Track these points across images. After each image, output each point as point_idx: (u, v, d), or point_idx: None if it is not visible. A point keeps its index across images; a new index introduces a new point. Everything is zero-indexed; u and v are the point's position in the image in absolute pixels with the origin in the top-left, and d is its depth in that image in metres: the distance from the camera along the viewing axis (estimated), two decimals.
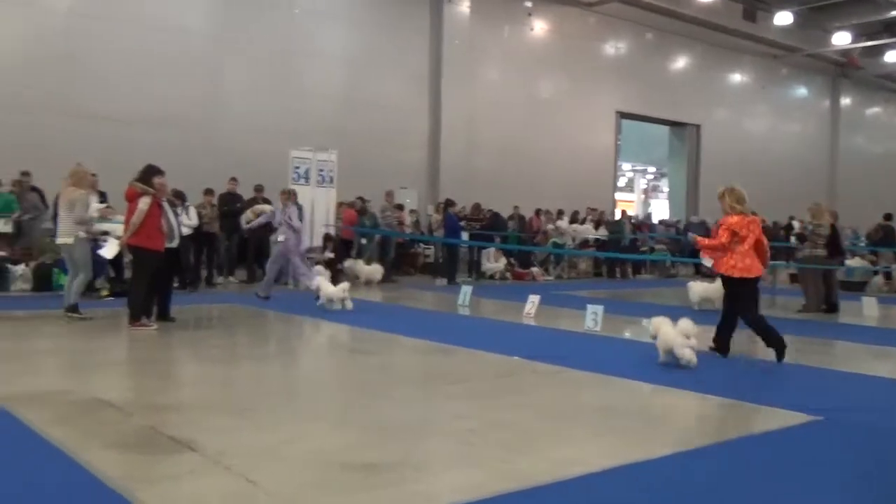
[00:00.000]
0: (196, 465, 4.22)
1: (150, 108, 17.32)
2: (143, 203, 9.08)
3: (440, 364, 7.84)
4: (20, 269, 12.36)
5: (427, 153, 22.89)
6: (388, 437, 4.96)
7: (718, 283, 13.05)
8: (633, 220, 23.43)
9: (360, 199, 17.78)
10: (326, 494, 3.91)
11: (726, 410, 6.14)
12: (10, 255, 12.21)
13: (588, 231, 21.43)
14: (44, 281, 12.22)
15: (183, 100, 17.98)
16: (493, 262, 18.97)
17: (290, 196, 12.72)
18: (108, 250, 9.77)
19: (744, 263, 8.02)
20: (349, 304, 11.32)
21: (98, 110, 16.60)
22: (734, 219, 8.10)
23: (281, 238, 12.31)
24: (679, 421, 5.83)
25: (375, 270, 16.03)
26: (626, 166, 44.41)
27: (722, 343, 8.27)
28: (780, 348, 7.95)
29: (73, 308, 9.45)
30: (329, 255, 15.49)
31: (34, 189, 13.91)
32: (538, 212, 21.36)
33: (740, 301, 8.16)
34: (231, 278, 15.03)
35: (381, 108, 21.32)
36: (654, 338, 7.76)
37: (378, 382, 6.84)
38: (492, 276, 18.69)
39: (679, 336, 7.59)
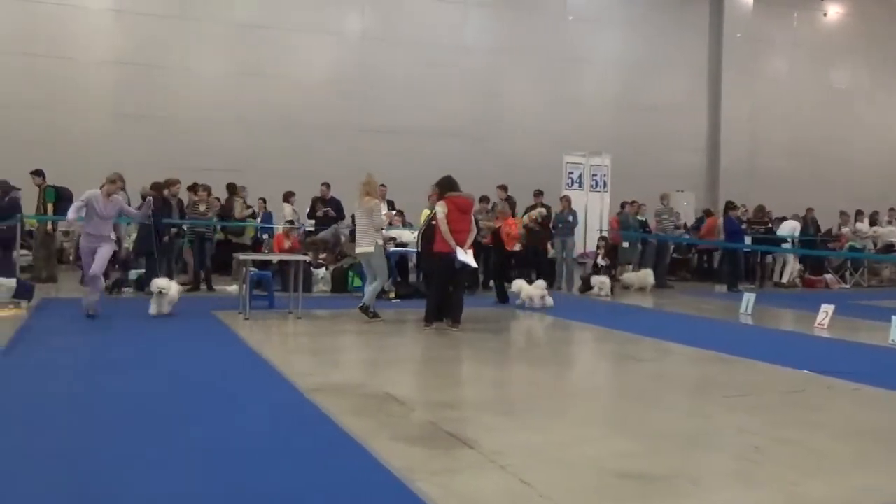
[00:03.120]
0: (473, 462, 4.39)
1: (432, 120, 18.47)
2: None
3: (719, 375, 7.44)
4: (321, 272, 13.70)
5: (705, 154, 22.06)
6: (663, 447, 4.81)
7: None
8: None
9: (633, 202, 17.46)
10: (599, 501, 3.88)
11: None
12: (313, 259, 13.56)
13: (893, 234, 19.22)
14: (340, 283, 13.44)
15: (462, 111, 18.99)
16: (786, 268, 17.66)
17: (119, 185, 10.25)
18: (468, 258, 9.64)
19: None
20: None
21: (385, 125, 18.06)
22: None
23: (113, 236, 10.26)
24: None
25: (646, 276, 15.65)
26: None
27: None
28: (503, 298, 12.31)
29: (365, 309, 10.03)
30: (603, 261, 15.35)
31: (333, 199, 15.40)
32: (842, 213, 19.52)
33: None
34: (506, 283, 15.41)
35: (656, 109, 20.86)
36: (518, 294, 11.94)
37: (653, 390, 6.66)
38: (777, 283, 17.41)
39: (535, 289, 11.87)
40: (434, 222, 9.74)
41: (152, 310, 9.65)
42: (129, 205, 11.80)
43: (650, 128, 20.59)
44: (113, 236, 10.18)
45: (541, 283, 12.25)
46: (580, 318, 11.05)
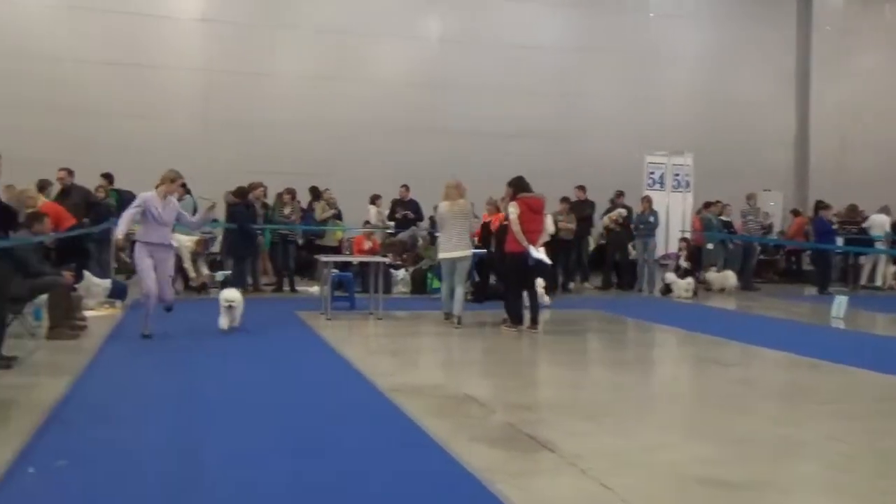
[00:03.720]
0: (553, 465, 4.37)
1: (511, 121, 18.39)
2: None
3: (808, 380, 7.21)
4: (401, 273, 13.85)
5: (793, 152, 21.37)
6: (749, 454, 4.69)
7: None
8: None
9: (716, 202, 17.04)
10: None
11: None
12: (393, 261, 13.72)
13: None
14: (420, 284, 13.55)
15: (541, 111, 18.85)
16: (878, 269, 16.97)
17: (179, 184, 9.14)
18: (541, 255, 9.61)
19: None
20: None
21: (464, 126, 18.05)
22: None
23: (175, 243, 9.39)
24: None
25: (727, 277, 15.27)
26: None
27: None
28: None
29: (459, 319, 9.79)
30: (685, 263, 15.04)
31: (411, 201, 15.56)
32: None
33: None
34: (586, 284, 15.30)
35: (741, 107, 20.28)
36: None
37: (737, 395, 6.50)
38: (867, 285, 16.75)
39: (537, 288, 10.71)
40: (506, 223, 9.75)
41: (222, 324, 8.77)
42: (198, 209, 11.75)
43: (734, 126, 20.03)
44: (175, 243, 9.25)
45: (539, 281, 11.53)
46: (661, 321, 10.84)
